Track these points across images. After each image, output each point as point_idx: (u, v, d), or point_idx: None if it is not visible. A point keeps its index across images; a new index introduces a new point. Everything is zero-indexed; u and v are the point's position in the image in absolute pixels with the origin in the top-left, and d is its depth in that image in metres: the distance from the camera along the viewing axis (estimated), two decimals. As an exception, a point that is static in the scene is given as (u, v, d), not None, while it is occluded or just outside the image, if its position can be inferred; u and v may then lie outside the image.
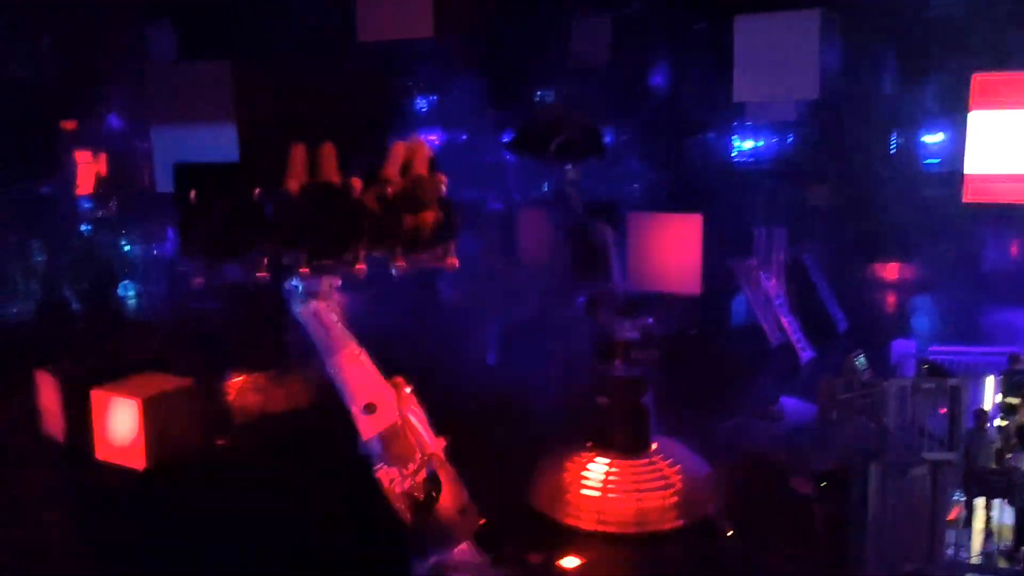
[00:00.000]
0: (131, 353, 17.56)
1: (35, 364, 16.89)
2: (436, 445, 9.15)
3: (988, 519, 10.60)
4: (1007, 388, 12.24)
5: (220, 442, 16.22)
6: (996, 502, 10.56)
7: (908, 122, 28.62)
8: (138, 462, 14.39)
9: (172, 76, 13.41)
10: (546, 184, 30.81)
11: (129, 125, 25.85)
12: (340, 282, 8.82)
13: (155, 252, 26.22)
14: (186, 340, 20.06)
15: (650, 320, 13.47)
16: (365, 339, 9.60)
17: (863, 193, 26.62)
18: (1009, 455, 10.58)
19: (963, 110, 18.44)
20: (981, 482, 10.37)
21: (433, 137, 33.57)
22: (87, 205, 27.12)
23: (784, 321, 21.28)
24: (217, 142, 12.49)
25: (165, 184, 14.17)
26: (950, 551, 9.96)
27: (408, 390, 9.06)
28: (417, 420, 9.08)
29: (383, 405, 8.55)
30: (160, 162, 14.41)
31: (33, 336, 22.52)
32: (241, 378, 18.64)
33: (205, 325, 21.39)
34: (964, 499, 10.69)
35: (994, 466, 10.63)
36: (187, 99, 12.72)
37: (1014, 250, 26.40)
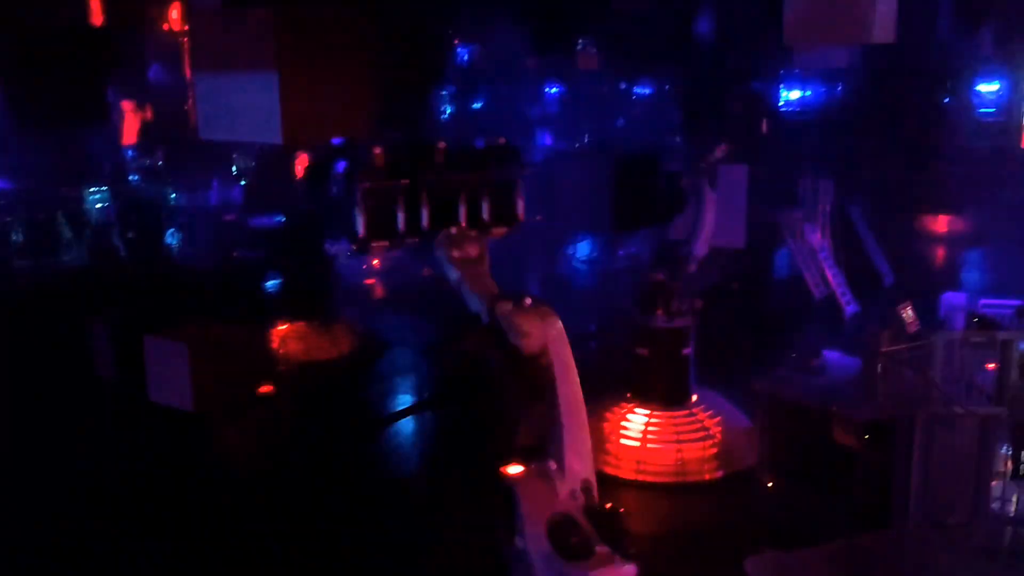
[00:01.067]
0: (179, 300, 17.97)
1: (88, 312, 17.40)
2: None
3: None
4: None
5: (265, 388, 16.57)
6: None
7: (963, 70, 27.71)
8: (188, 404, 14.83)
9: (216, 23, 13.36)
10: (586, 136, 30.53)
11: (174, 74, 26.04)
12: None
13: (200, 201, 26.58)
14: (232, 288, 20.42)
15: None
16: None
17: (913, 143, 25.95)
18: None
19: (1020, 59, 17.84)
20: (1029, 436, 10.22)
21: (475, 87, 33.38)
22: (132, 154, 27.49)
23: (829, 274, 20.99)
24: (260, 91, 12.48)
25: (208, 132, 14.25)
26: (995, 504, 9.88)
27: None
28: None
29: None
30: (203, 112, 14.43)
31: (85, 284, 23.08)
32: (285, 326, 18.96)
33: (250, 274, 21.73)
34: (1011, 453, 10.55)
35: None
36: (231, 47, 12.71)
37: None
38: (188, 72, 24.50)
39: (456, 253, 7.27)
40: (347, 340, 18.83)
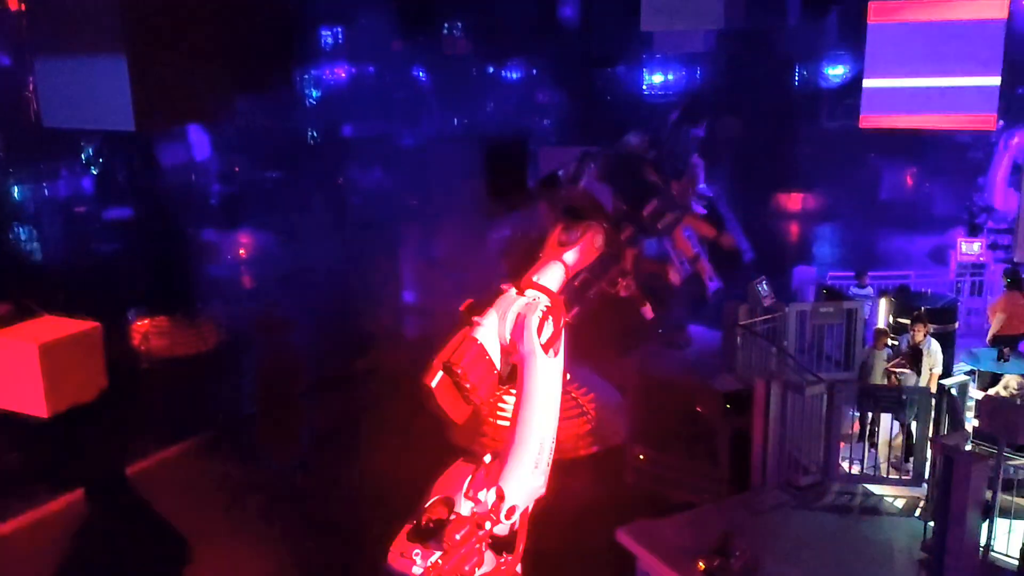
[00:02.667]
0: (28, 297, 16.85)
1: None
2: None
3: (876, 433, 11.18)
4: (898, 310, 12.85)
5: (125, 387, 15.81)
6: (886, 417, 11.13)
7: (812, 54, 29.17)
8: (39, 410, 13.93)
9: (58, 2, 12.46)
10: (456, 120, 30.48)
11: (14, 57, 24.33)
12: None
13: (47, 192, 25.00)
14: (87, 283, 19.34)
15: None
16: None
17: (767, 125, 27.15)
18: (898, 373, 11.13)
19: (863, 42, 18.93)
20: (873, 399, 10.90)
21: (340, 71, 32.68)
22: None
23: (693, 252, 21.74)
24: (108, 75, 11.79)
25: (52, 120, 13.36)
26: (844, 464, 10.51)
27: None
28: None
29: None
30: (46, 97, 13.50)
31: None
32: (146, 321, 18.14)
33: (106, 268, 20.66)
34: (858, 415, 11.24)
35: (885, 383, 11.19)
36: (74, 28, 11.92)
37: (909, 179, 27.48)
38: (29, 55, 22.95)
39: None
40: (212, 334, 18.20)
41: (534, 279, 6.74)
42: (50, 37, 12.59)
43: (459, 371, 6.76)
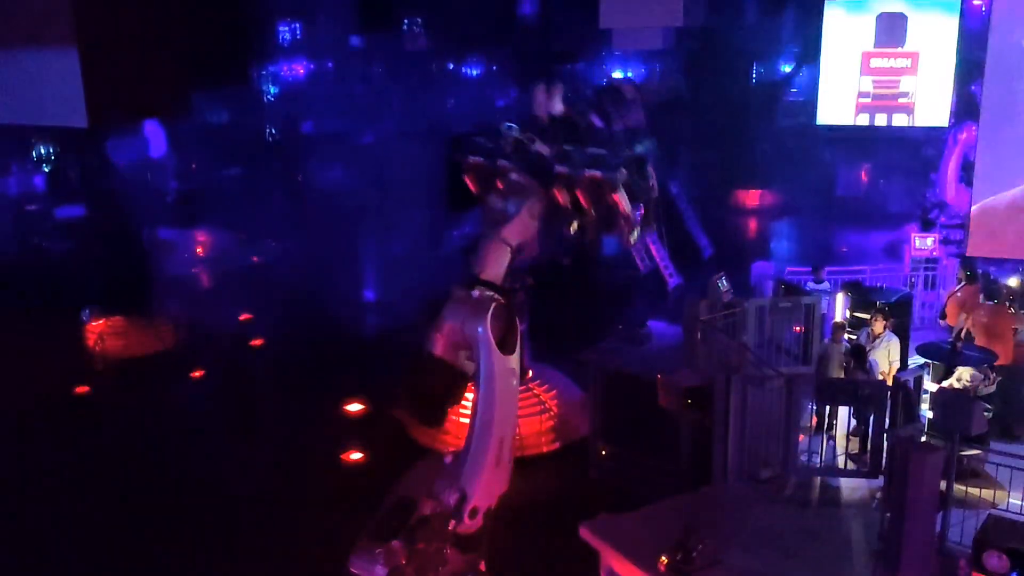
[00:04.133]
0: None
1: None
2: None
3: (834, 426, 11.35)
4: (854, 304, 13.06)
5: (80, 389, 15.52)
6: (844, 410, 11.31)
7: (768, 52, 29.49)
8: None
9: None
10: (416, 117, 30.29)
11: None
12: None
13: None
14: (39, 283, 18.93)
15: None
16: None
17: (726, 122, 27.41)
18: (855, 366, 11.31)
19: (819, 40, 19.19)
20: (830, 392, 11.07)
21: (298, 67, 32.32)
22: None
23: (653, 249, 21.83)
24: (59, 70, 11.52)
25: (3, 116, 13.03)
26: (803, 458, 10.66)
27: None
28: None
29: None
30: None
31: None
32: (101, 321, 17.79)
33: (59, 267, 20.23)
34: (816, 409, 11.40)
35: (841, 377, 11.37)
36: (25, 22, 11.62)
37: (864, 176, 27.91)
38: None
39: None
40: (170, 334, 17.91)
41: (480, 275, 6.63)
42: (1, 30, 12.25)
43: (426, 393, 6.67)
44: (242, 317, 19.10)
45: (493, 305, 6.56)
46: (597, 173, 6.98)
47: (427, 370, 6.61)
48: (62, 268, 20.13)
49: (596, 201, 7.12)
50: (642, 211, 7.23)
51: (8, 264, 20.53)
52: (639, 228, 7.41)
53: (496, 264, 6.77)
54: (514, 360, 6.65)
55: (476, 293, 6.51)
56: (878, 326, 11.50)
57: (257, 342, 18.07)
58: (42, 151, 25.14)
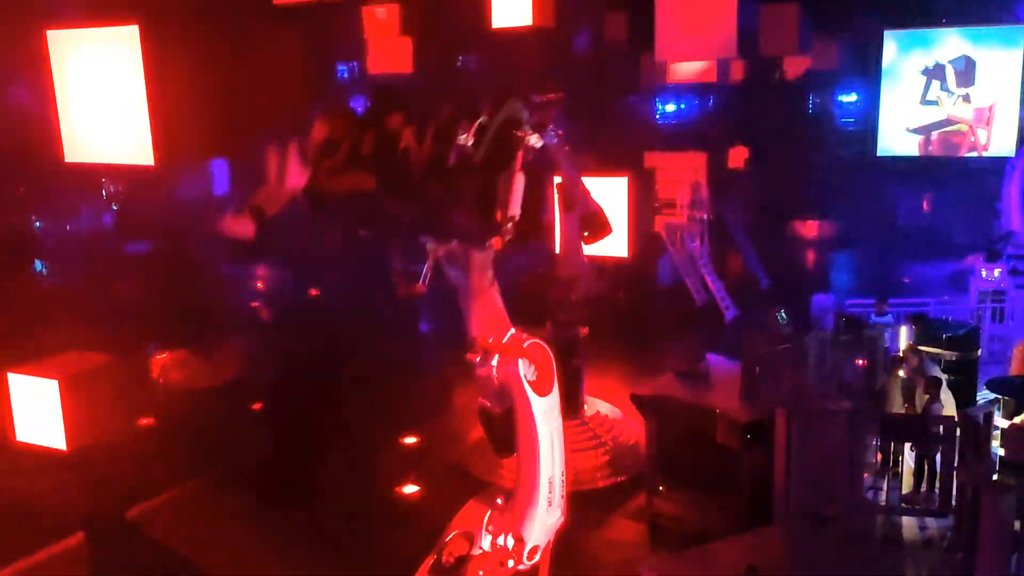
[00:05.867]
0: (47, 332, 16.98)
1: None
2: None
3: (900, 462, 11.04)
4: (917, 337, 12.76)
5: (145, 422, 15.86)
6: (908, 446, 11.01)
7: (825, 82, 29.25)
8: (60, 443, 13.98)
9: (81, 41, 12.76)
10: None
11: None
12: None
13: (67, 227, 25.29)
14: (104, 316, 19.48)
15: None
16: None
17: (782, 153, 27.20)
18: (920, 401, 11.02)
19: (876, 70, 18.99)
20: (895, 428, 10.79)
21: (357, 105, 33.05)
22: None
23: (708, 280, 21.72)
24: (128, 112, 12.00)
25: (74, 155, 13.54)
26: (869, 495, 10.39)
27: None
28: None
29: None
30: (68, 134, 13.75)
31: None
32: (164, 354, 18.21)
33: (123, 300, 20.80)
34: (880, 445, 11.12)
35: (906, 411, 11.08)
36: (96, 66, 12.17)
37: (925, 205, 27.38)
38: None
39: None
40: (232, 366, 18.24)
41: (482, 339, 6.37)
42: (73, 75, 12.81)
43: (494, 438, 6.68)
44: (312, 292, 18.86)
45: (499, 360, 6.40)
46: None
47: (493, 427, 6.67)
48: (129, 302, 20.72)
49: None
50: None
51: (78, 298, 21.22)
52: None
53: (492, 311, 6.62)
54: (551, 400, 6.50)
55: (494, 363, 6.32)
56: (913, 360, 11.25)
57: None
58: (111, 189, 26.04)
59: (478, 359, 6.30)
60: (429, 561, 6.43)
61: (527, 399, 6.30)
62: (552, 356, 6.39)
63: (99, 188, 26.06)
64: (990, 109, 17.05)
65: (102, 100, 12.45)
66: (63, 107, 13.80)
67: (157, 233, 21.68)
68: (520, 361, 6.22)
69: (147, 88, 11.65)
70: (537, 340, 6.32)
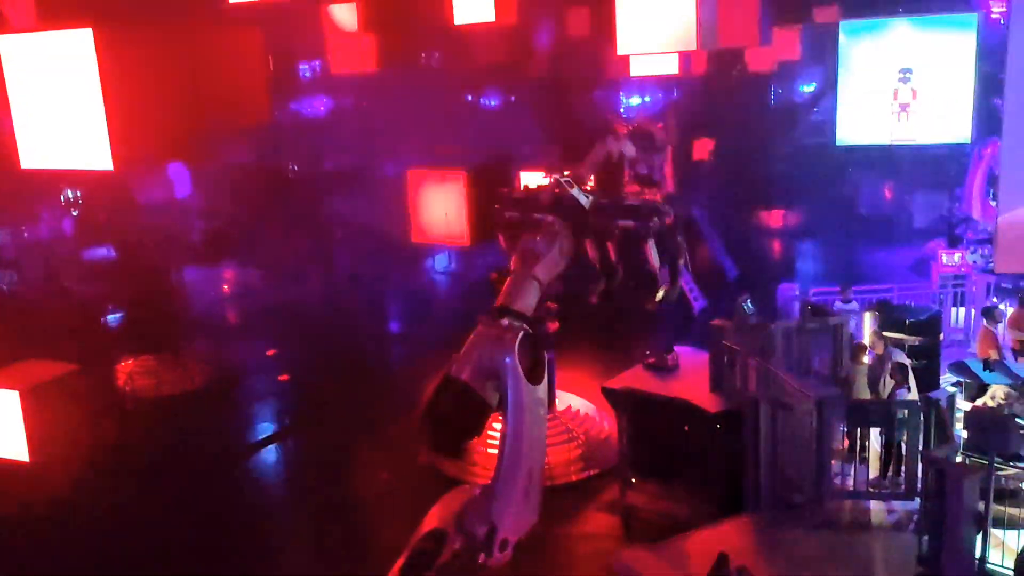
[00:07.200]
0: (5, 340, 16.65)
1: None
2: None
3: (866, 448, 11.16)
4: (881, 323, 12.92)
5: (111, 430, 15.63)
6: (876, 432, 11.15)
7: (785, 73, 29.50)
8: (22, 455, 13.70)
9: (33, 43, 12.44)
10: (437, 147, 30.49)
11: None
12: None
13: (25, 234, 24.81)
14: (69, 324, 19.16)
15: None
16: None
17: (746, 144, 27.41)
18: (885, 387, 11.16)
19: (836, 60, 19.18)
20: (862, 414, 10.92)
21: (319, 104, 32.77)
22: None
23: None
24: (85, 115, 11.72)
25: (31, 161, 13.26)
26: (837, 480, 10.50)
27: None
28: None
29: None
30: (24, 139, 13.42)
31: None
32: (130, 361, 17.96)
33: (87, 308, 20.49)
34: (847, 431, 11.24)
35: (871, 398, 11.22)
36: (50, 68, 11.88)
37: (887, 193, 27.74)
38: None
39: None
40: (200, 371, 18.04)
41: (510, 306, 6.59)
42: (26, 77, 12.51)
43: (447, 417, 6.60)
44: (269, 352, 19.30)
45: (521, 334, 6.49)
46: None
47: (452, 394, 6.54)
48: (92, 309, 20.41)
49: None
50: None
51: (39, 306, 20.84)
52: (664, 289, 7.31)
53: (526, 297, 6.74)
54: (541, 390, 6.56)
55: (505, 322, 6.45)
56: (879, 347, 11.38)
57: (284, 377, 18.24)
58: (70, 194, 25.60)
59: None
60: (402, 560, 6.37)
61: (522, 385, 6.29)
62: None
63: (58, 194, 25.62)
64: (943, 96, 17.30)
65: (58, 105, 12.17)
66: (17, 112, 13.44)
67: (119, 238, 21.36)
68: (516, 348, 6.23)
69: (103, 91, 11.38)
70: (531, 330, 6.35)
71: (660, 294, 7.33)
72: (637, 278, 7.18)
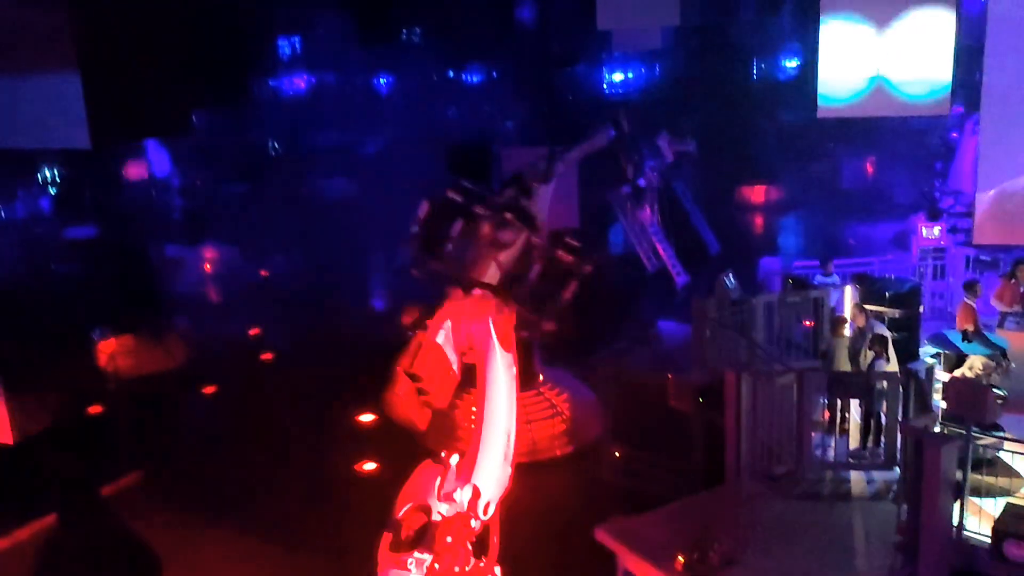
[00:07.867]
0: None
1: None
2: None
3: (846, 419, 11.26)
4: (862, 296, 12.99)
5: (93, 409, 15.58)
6: (856, 403, 11.24)
7: (768, 48, 29.51)
8: (4, 436, 13.66)
9: (9, 23, 12.28)
10: (418, 125, 30.38)
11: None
12: None
13: (2, 215, 24.56)
14: (49, 304, 19.04)
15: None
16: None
17: (728, 119, 27.42)
18: (865, 359, 11.24)
19: (816, 35, 19.10)
20: (842, 386, 11.01)
21: (299, 80, 32.44)
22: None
23: (659, 248, 21.89)
24: (62, 93, 11.60)
25: (7, 140, 13.12)
26: (817, 452, 10.61)
27: None
28: None
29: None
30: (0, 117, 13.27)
31: None
32: (112, 340, 17.85)
33: (68, 288, 20.33)
34: (827, 403, 11.33)
35: (851, 369, 11.30)
36: (26, 48, 11.74)
37: (868, 168, 27.88)
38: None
39: None
40: (181, 350, 17.97)
41: (480, 278, 7.07)
42: (2, 57, 12.35)
43: (420, 377, 6.90)
44: (252, 332, 19.23)
45: (495, 302, 6.91)
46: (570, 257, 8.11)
47: (424, 354, 6.85)
48: (71, 288, 20.24)
49: (549, 280, 7.88)
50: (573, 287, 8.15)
51: (18, 286, 20.65)
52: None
53: (493, 275, 7.31)
54: (512, 357, 7.00)
55: (478, 292, 6.87)
56: (860, 319, 11.45)
57: (267, 356, 18.19)
58: (48, 173, 25.31)
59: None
60: (387, 538, 6.48)
61: (496, 351, 6.65)
62: (513, 316, 6.98)
63: (34, 173, 25.36)
64: (926, 68, 17.29)
65: (33, 82, 12.03)
66: (-8, 89, 13.19)
67: (99, 216, 21.19)
68: (490, 317, 6.62)
69: (81, 68, 11.26)
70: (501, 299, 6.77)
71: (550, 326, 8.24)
72: (545, 301, 8.10)
